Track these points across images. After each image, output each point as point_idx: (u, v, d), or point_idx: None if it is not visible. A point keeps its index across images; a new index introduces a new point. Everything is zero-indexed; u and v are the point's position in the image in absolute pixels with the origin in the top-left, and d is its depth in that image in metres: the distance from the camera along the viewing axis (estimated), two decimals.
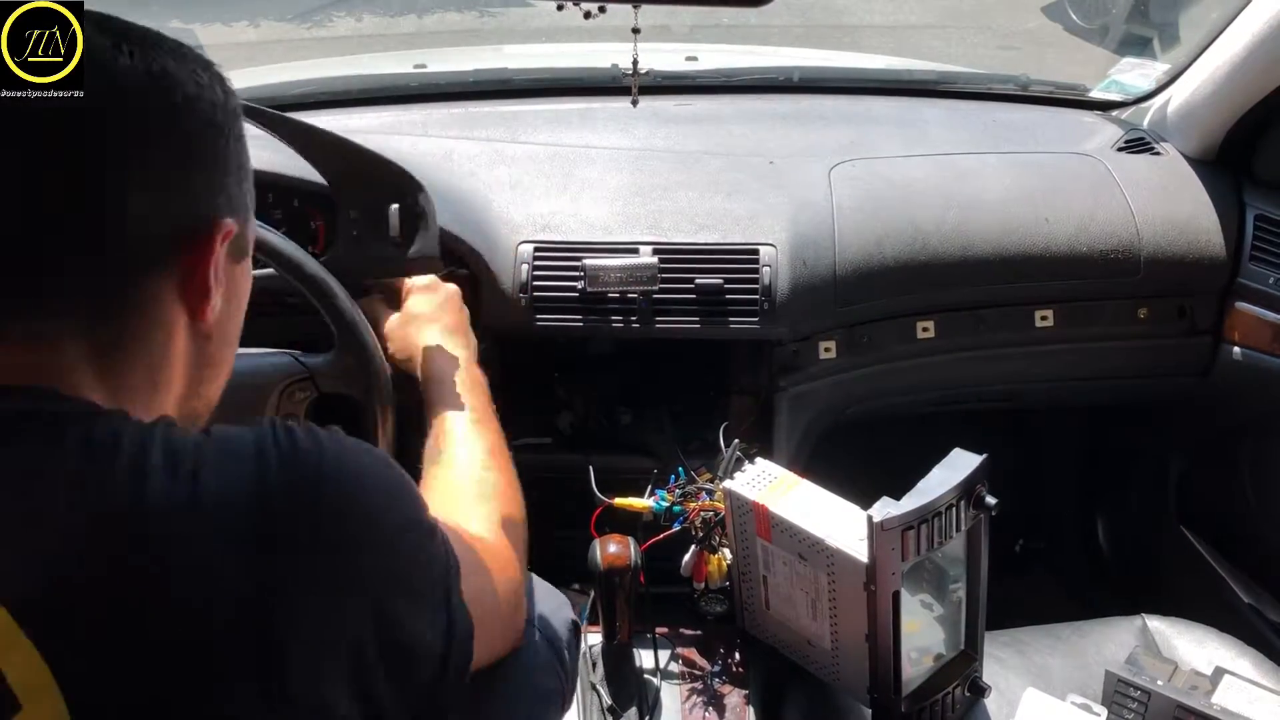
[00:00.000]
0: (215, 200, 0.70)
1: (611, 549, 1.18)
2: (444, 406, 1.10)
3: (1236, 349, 1.53)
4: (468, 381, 1.13)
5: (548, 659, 0.99)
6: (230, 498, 0.60)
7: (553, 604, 1.06)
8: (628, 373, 1.50)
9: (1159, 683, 1.17)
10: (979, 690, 1.19)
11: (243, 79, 1.89)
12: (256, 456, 0.62)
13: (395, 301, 1.22)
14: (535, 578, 1.11)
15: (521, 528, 1.01)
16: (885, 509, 1.04)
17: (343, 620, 0.62)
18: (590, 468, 1.32)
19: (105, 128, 0.64)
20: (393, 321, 1.19)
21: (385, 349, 1.17)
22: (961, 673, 1.18)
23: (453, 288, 1.23)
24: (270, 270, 1.08)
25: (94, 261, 0.65)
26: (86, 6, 0.66)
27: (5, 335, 0.63)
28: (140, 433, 0.61)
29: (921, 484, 1.07)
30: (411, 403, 1.14)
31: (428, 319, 1.19)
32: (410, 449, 1.07)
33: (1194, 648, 1.28)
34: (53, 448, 0.59)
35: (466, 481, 1.01)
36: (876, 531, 1.03)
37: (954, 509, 1.08)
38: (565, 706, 1.04)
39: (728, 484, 1.20)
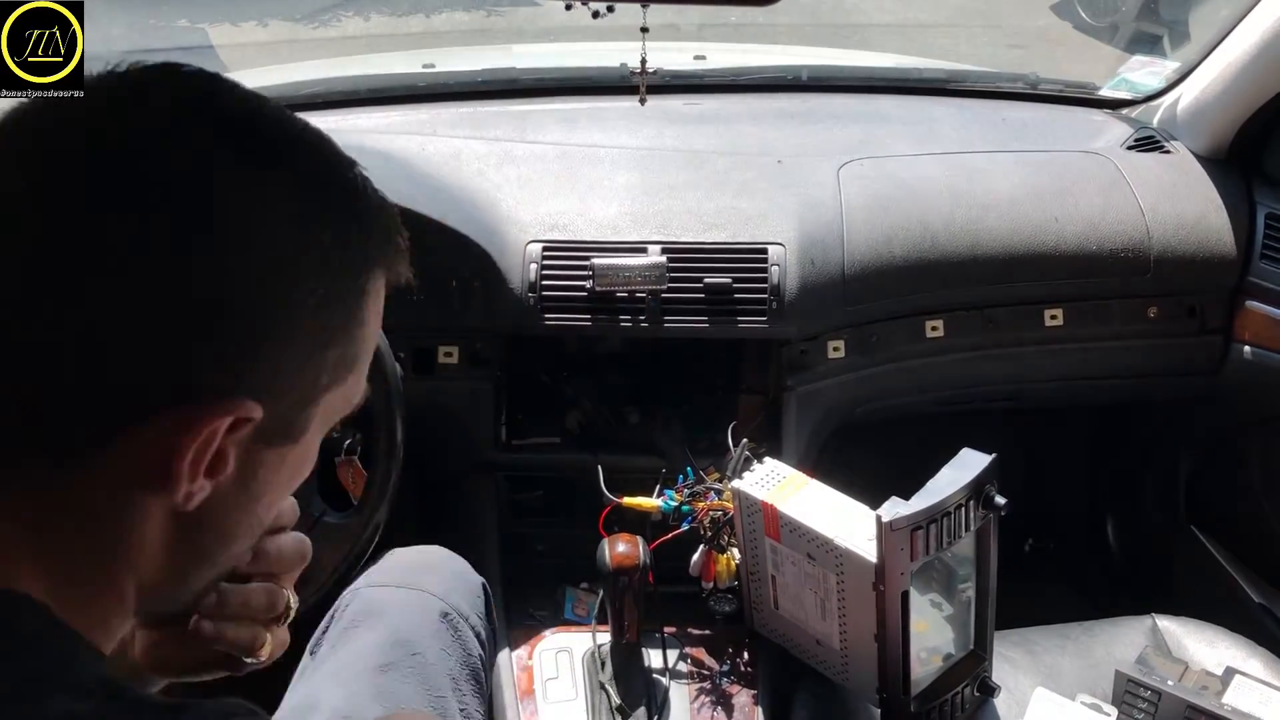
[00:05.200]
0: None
1: (620, 548, 1.18)
2: None
3: (1247, 348, 1.52)
4: None
5: (442, 632, 1.02)
6: None
7: (448, 572, 1.09)
8: (636, 372, 1.50)
9: (1169, 683, 1.17)
10: (988, 690, 1.18)
11: (252, 79, 1.90)
12: None
13: None
14: (436, 549, 1.14)
15: None
16: (894, 509, 1.03)
17: None
18: (599, 467, 1.32)
19: None
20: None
21: None
22: (971, 672, 1.18)
23: None
24: None
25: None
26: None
27: None
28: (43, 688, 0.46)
29: (931, 484, 1.07)
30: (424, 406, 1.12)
31: None
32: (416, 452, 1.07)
33: (1204, 648, 1.28)
34: None
35: None
36: (885, 531, 1.03)
37: (963, 509, 1.07)
38: (487, 670, 1.06)
39: (736, 483, 1.20)
